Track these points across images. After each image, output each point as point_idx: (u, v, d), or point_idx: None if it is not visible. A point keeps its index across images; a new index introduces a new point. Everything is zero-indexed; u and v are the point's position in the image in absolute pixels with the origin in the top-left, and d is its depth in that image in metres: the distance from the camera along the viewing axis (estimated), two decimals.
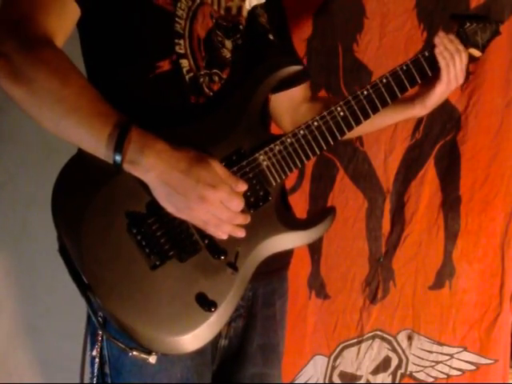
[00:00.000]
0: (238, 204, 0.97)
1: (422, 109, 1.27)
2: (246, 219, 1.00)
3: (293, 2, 1.83)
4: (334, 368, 2.04)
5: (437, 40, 1.20)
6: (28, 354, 1.95)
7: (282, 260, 1.22)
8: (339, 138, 1.12)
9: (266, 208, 1.06)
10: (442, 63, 1.19)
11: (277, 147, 1.07)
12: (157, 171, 0.94)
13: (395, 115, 1.29)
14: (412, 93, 1.25)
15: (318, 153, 1.11)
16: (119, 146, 0.92)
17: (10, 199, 1.87)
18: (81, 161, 1.00)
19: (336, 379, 2.05)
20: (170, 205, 0.96)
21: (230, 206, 0.97)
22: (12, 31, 0.96)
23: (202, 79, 1.11)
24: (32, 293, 1.91)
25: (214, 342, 1.16)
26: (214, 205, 0.95)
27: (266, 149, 1.06)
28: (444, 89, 1.23)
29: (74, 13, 1.03)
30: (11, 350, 1.92)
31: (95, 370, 1.09)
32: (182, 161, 0.95)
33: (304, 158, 1.09)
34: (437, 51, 1.19)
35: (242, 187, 1.00)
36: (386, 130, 1.89)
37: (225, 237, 0.99)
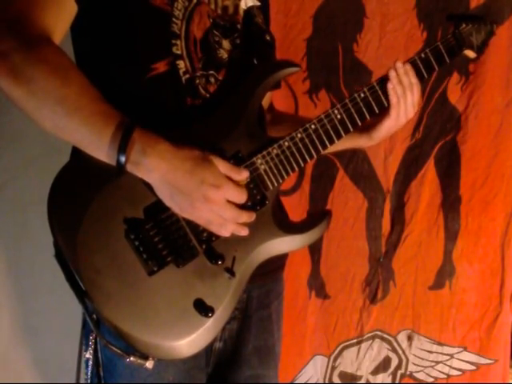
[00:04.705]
0: (242, 196, 0.98)
1: (369, 140, 1.26)
2: (250, 217, 1.01)
3: (293, 2, 1.83)
4: (333, 368, 2.04)
5: (391, 73, 1.17)
6: (28, 353, 1.94)
7: (276, 262, 1.21)
8: (336, 141, 1.12)
9: (263, 212, 1.06)
10: (393, 100, 1.17)
11: (274, 151, 1.07)
12: (161, 171, 0.94)
13: (342, 142, 1.19)
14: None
15: (315, 156, 1.11)
16: (123, 146, 0.91)
17: (10, 199, 1.87)
18: (76, 167, 0.99)
19: (336, 379, 2.05)
20: (175, 204, 0.96)
21: (235, 200, 0.97)
22: (10, 30, 0.94)
23: (198, 81, 1.10)
24: (32, 293, 1.90)
25: (209, 345, 1.16)
26: (219, 204, 0.96)
27: (264, 152, 1.06)
28: (392, 124, 1.21)
29: (71, 10, 1.02)
30: (11, 350, 1.92)
31: (89, 372, 1.09)
32: (186, 161, 0.95)
33: (301, 161, 1.09)
34: (390, 86, 1.16)
35: (245, 174, 1.01)
36: None
37: (228, 235, 0.99)
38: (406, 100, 1.18)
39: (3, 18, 0.96)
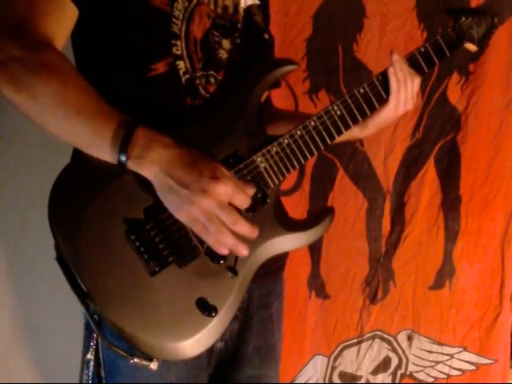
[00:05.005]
0: (245, 199, 0.94)
1: (363, 129, 1.22)
2: (253, 231, 0.95)
3: (293, 2, 1.83)
4: (333, 368, 2.04)
5: (394, 58, 1.15)
6: (28, 353, 1.94)
7: (277, 262, 1.21)
8: (336, 137, 1.12)
9: (265, 210, 1.06)
10: (393, 86, 1.15)
11: (274, 148, 1.06)
12: (163, 163, 0.92)
13: None
14: None
15: (316, 153, 1.10)
16: (125, 144, 0.91)
17: (10, 199, 1.87)
18: (76, 168, 0.99)
19: (336, 379, 2.05)
20: (171, 201, 0.94)
21: (236, 200, 0.93)
22: (10, 36, 0.94)
23: (198, 81, 1.10)
24: (32, 293, 1.90)
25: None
26: (217, 200, 0.91)
27: (264, 150, 1.06)
28: (390, 113, 1.18)
29: (72, 14, 1.02)
30: (11, 350, 1.92)
31: (90, 373, 1.08)
32: (188, 155, 0.94)
33: (302, 158, 1.09)
34: (391, 71, 1.15)
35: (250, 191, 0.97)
36: (385, 130, 1.90)
37: (225, 251, 0.94)
38: (406, 87, 1.16)
39: (3, 24, 0.96)
